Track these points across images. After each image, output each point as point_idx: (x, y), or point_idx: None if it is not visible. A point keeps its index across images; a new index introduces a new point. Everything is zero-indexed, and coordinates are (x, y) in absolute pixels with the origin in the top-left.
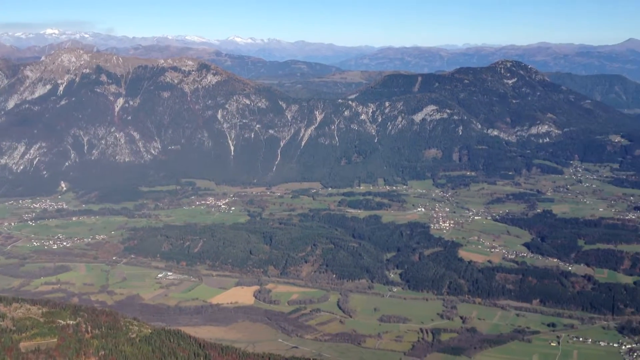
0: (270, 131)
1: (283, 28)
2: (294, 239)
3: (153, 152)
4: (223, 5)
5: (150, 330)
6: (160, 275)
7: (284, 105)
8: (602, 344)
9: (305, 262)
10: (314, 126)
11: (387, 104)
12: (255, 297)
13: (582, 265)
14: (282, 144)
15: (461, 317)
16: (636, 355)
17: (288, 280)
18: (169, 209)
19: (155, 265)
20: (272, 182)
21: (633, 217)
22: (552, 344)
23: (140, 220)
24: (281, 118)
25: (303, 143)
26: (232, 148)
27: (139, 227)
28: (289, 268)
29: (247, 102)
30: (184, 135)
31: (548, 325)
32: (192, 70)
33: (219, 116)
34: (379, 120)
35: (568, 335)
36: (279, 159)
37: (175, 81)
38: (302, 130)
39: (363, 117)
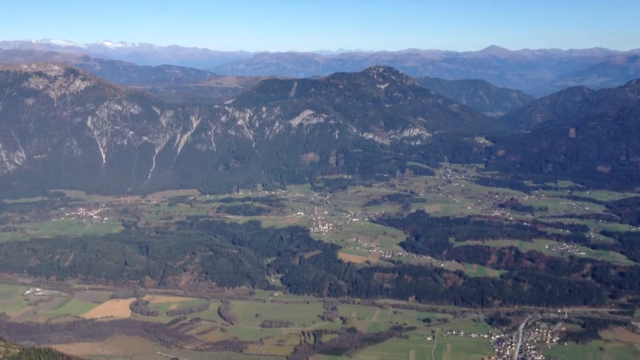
0: (145, 138)
1: (155, 32)
2: (172, 248)
3: (17, 162)
4: (91, 7)
5: (18, 351)
6: (27, 292)
7: (158, 111)
8: (473, 335)
9: (184, 270)
10: (190, 132)
11: (264, 109)
12: (132, 310)
13: (453, 261)
14: (157, 151)
15: (342, 318)
16: (504, 345)
17: (166, 290)
18: (36, 222)
19: (23, 282)
20: (147, 190)
21: (498, 214)
22: (427, 338)
23: (4, 235)
24: (155, 124)
25: (179, 149)
26: (103, 156)
27: (3, 241)
28: (167, 278)
29: (119, 108)
30: (51, 144)
31: (423, 320)
32: (59, 76)
33: (89, 123)
34: (257, 125)
35: (442, 329)
36: (154, 166)
37: (41, 87)
38: (178, 136)
39: (240, 122)
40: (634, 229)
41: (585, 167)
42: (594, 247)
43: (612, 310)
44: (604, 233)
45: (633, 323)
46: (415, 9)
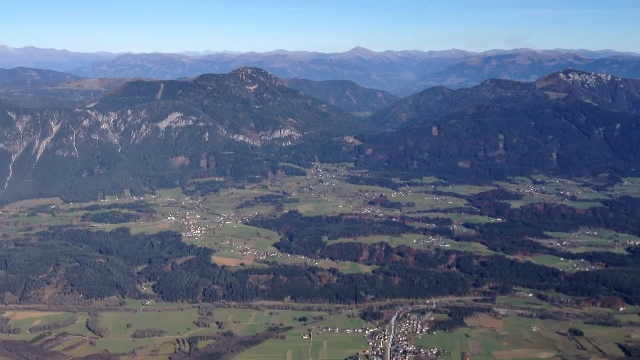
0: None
1: (9, 33)
2: (33, 261)
3: None
4: None
5: None
6: None
7: (13, 116)
8: (348, 331)
9: (48, 284)
10: (49, 138)
11: (129, 112)
12: None
13: (327, 259)
14: (13, 158)
15: (217, 323)
16: (378, 338)
17: (29, 305)
18: None
19: None
20: (4, 200)
21: (368, 211)
22: (304, 337)
23: None
24: (11, 130)
25: (38, 156)
26: None
27: None
28: (29, 292)
29: None
30: None
31: (300, 319)
32: None
33: None
34: (122, 129)
35: (318, 327)
36: (10, 174)
37: None
38: (37, 142)
39: (104, 126)
40: (492, 220)
41: (447, 163)
42: (457, 239)
43: (476, 298)
44: (466, 225)
45: (495, 309)
46: (283, 9)
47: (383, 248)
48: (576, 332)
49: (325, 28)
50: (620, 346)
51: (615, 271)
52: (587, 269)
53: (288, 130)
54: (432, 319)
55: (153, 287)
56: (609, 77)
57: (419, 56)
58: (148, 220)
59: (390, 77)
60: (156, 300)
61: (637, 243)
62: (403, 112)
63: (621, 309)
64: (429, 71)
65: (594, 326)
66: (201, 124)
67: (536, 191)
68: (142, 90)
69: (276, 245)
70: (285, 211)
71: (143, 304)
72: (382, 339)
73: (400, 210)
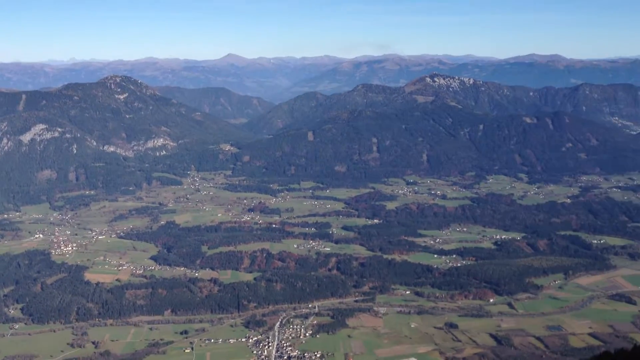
0: None
1: None
2: None
3: None
4: None
5: None
6: None
7: None
8: (231, 341)
9: None
10: None
11: None
12: None
13: (207, 270)
14: None
15: (93, 343)
16: (262, 345)
17: None
18: None
19: None
20: None
21: (248, 218)
22: (186, 350)
23: None
24: None
25: None
26: None
27: None
28: None
29: None
30: None
31: (181, 333)
32: None
33: None
34: None
35: (200, 339)
36: None
37: None
38: None
39: None
40: (369, 222)
41: (324, 168)
42: (337, 242)
43: (357, 299)
44: (345, 228)
45: (375, 309)
46: (152, 16)
47: (264, 255)
48: (452, 325)
49: (197, 35)
50: (492, 336)
51: (484, 265)
52: (459, 264)
53: (162, 140)
54: (315, 322)
55: (22, 309)
56: (472, 81)
57: (292, 62)
58: (13, 239)
59: (264, 83)
60: (26, 324)
61: (502, 237)
62: (279, 118)
63: (491, 300)
64: (302, 77)
65: (468, 318)
66: (68, 135)
67: (409, 192)
68: (2, 102)
69: (154, 258)
70: (162, 222)
71: (11, 328)
72: (267, 347)
73: (280, 216)
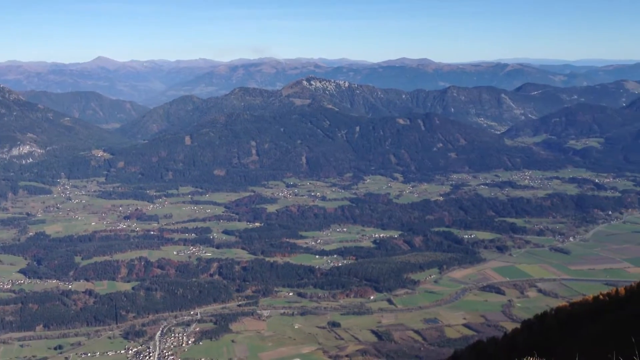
0: None
1: None
2: None
3: None
4: None
5: None
6: None
7: None
8: (110, 353)
9: None
10: None
11: None
12: None
13: (82, 281)
14: None
15: None
16: (142, 356)
17: None
18: None
19: None
20: None
21: (124, 226)
22: None
23: None
24: None
25: None
26: None
27: None
28: None
29: None
30: None
31: (55, 348)
32: None
33: None
34: None
35: (77, 354)
36: None
37: None
38: None
39: None
40: (250, 225)
41: (203, 172)
42: (218, 246)
43: (240, 303)
44: (226, 232)
45: (258, 312)
46: (15, 17)
47: (142, 263)
48: (334, 324)
49: (64, 37)
50: (373, 332)
51: (364, 263)
52: (340, 264)
53: (28, 147)
54: (197, 329)
55: None
56: (347, 84)
57: (166, 65)
58: None
59: (137, 87)
60: None
61: (381, 235)
62: (154, 122)
63: (372, 297)
64: (177, 80)
65: (350, 316)
66: None
67: (290, 194)
68: None
69: (22, 272)
70: (31, 234)
71: None
72: (147, 357)
73: (158, 223)
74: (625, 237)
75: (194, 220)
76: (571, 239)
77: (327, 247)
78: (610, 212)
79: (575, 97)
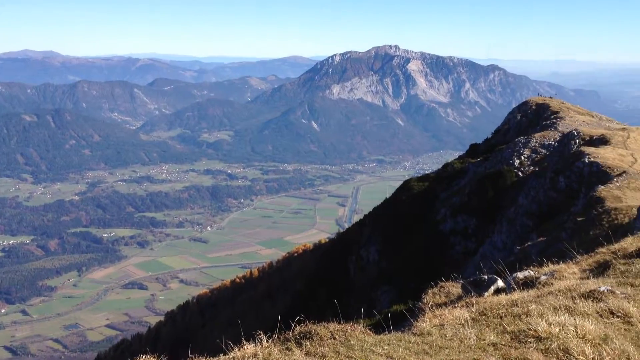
0: None
1: None
2: None
3: None
4: None
5: None
6: None
7: None
8: None
9: None
10: None
11: None
12: None
13: None
14: None
15: None
16: None
17: None
18: None
19: None
20: None
21: None
22: None
23: None
24: None
25: None
26: None
27: None
28: None
29: None
30: None
31: None
32: None
33: None
34: None
35: None
36: None
37: None
38: None
39: None
40: None
41: None
42: None
43: None
44: None
45: None
46: None
47: None
48: None
49: None
50: (7, 348)
51: None
52: None
53: None
54: None
55: None
56: None
57: None
58: None
59: None
60: None
61: (11, 242)
62: None
63: (2, 310)
64: None
65: None
66: None
67: None
68: None
69: None
70: None
71: None
72: None
73: None
74: (256, 222)
75: None
76: (209, 228)
77: None
78: (242, 200)
79: (206, 92)
